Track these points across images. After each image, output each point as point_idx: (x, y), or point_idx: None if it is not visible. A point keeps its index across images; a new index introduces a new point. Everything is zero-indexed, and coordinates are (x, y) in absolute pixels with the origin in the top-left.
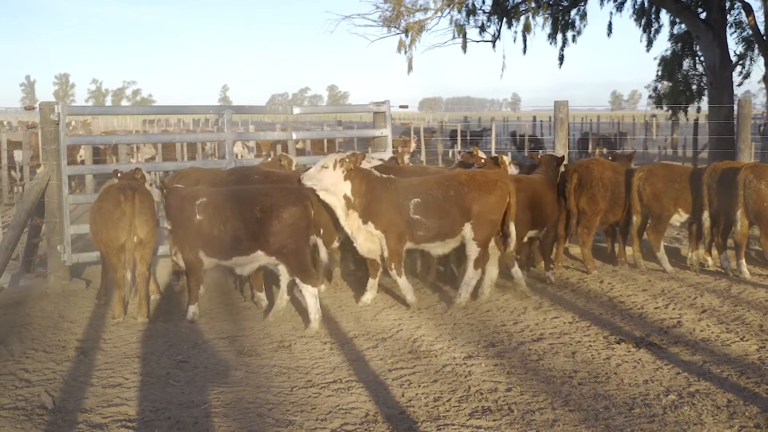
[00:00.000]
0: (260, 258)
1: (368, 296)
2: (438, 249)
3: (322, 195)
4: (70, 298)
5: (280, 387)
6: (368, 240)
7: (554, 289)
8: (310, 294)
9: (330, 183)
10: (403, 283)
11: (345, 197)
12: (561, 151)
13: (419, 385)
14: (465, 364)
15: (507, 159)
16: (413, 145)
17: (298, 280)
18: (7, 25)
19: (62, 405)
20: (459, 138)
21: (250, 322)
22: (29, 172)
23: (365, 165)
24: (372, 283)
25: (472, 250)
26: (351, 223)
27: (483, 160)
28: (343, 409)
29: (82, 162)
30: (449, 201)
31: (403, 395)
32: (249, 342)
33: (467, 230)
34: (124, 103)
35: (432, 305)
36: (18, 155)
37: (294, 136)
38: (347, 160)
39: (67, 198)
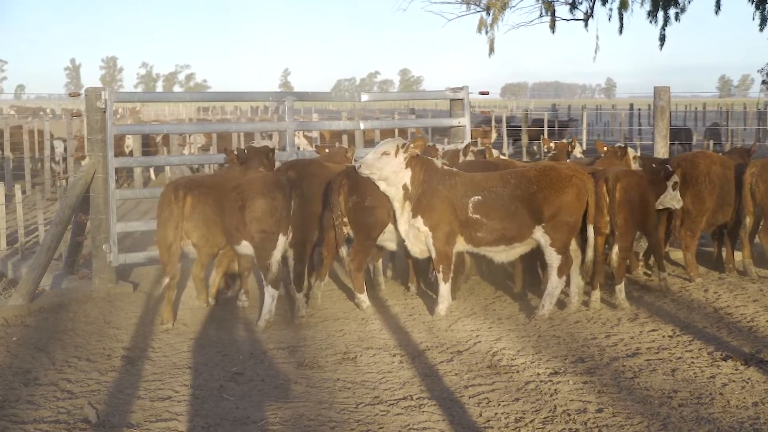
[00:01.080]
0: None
1: (442, 307)
2: (502, 254)
3: (382, 186)
4: (116, 302)
5: (344, 403)
6: (417, 239)
7: (652, 298)
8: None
9: (391, 171)
10: (445, 290)
11: (404, 187)
12: (661, 143)
13: (499, 404)
14: (550, 381)
15: (633, 152)
16: (494, 136)
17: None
18: (51, 3)
19: (107, 419)
20: (546, 128)
21: (311, 330)
22: (73, 163)
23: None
24: (444, 290)
25: (552, 257)
26: (406, 218)
27: (606, 149)
28: (413, 429)
29: (131, 153)
30: (516, 200)
31: (480, 415)
32: (310, 353)
33: (539, 234)
34: (176, 89)
35: (513, 315)
36: (59, 146)
37: (362, 126)
38: (411, 145)
39: (114, 193)
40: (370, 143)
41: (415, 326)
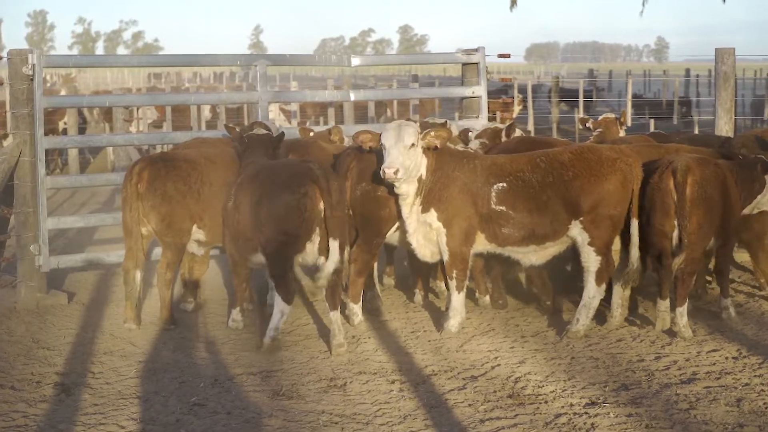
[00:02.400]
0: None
1: (453, 322)
2: (531, 256)
3: (403, 188)
4: (47, 317)
5: None
6: (428, 240)
7: (712, 311)
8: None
9: (414, 166)
10: (458, 301)
11: (419, 180)
12: (725, 117)
13: None
14: (586, 413)
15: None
16: (517, 109)
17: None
18: None
19: None
20: (581, 99)
21: (289, 351)
22: None
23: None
24: (456, 302)
25: (590, 260)
26: (415, 216)
27: (600, 120)
28: None
29: (65, 132)
30: (548, 189)
31: None
32: (288, 379)
33: (576, 231)
34: (121, 51)
35: (540, 331)
36: None
37: (352, 97)
38: (431, 134)
39: (44, 180)
40: (362, 118)
41: (418, 346)
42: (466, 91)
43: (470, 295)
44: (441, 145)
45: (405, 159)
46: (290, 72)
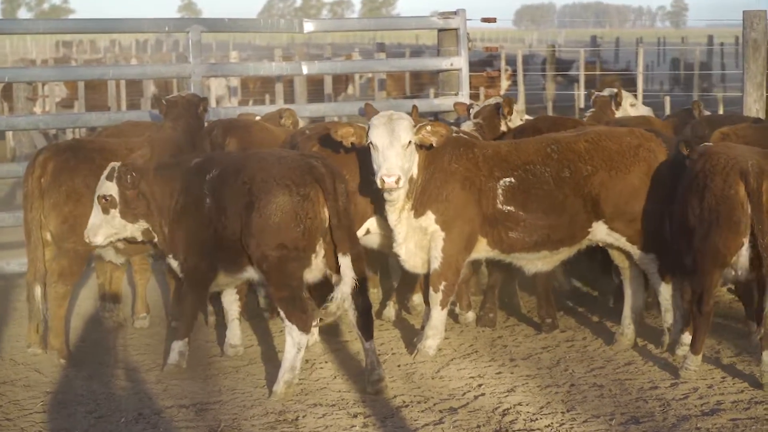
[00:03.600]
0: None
1: (431, 343)
2: (539, 263)
3: (396, 194)
4: None
5: None
6: (421, 248)
7: (738, 327)
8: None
9: (410, 168)
10: (439, 319)
11: (411, 180)
12: (755, 93)
13: None
14: None
15: (630, 97)
16: (506, 84)
17: None
18: None
19: None
20: (582, 72)
21: (229, 379)
22: None
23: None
24: (437, 319)
25: (645, 260)
26: (405, 222)
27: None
28: None
29: None
30: (563, 183)
31: None
32: (228, 413)
33: (602, 233)
34: (23, 14)
35: (533, 354)
36: None
37: (305, 70)
38: (427, 128)
39: None
40: (317, 96)
41: (387, 371)
42: (443, 63)
43: (449, 311)
44: (438, 144)
45: (404, 162)
46: (229, 40)
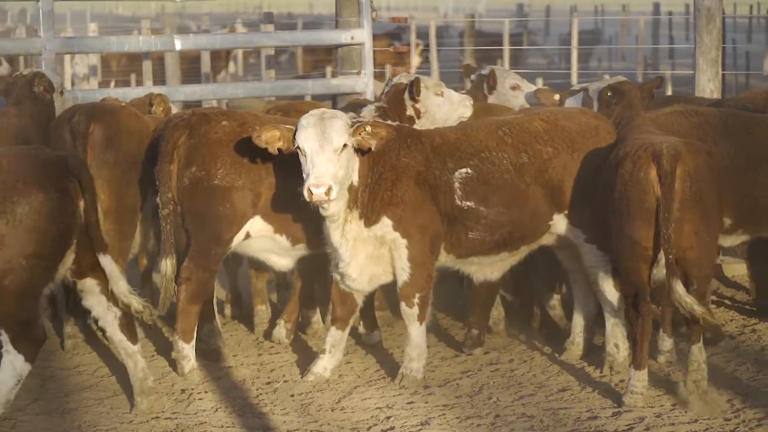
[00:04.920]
0: None
1: (416, 365)
2: (493, 268)
3: (333, 208)
4: None
5: None
6: (373, 260)
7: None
8: None
9: (347, 175)
10: (418, 337)
11: (351, 188)
12: (708, 71)
13: None
14: None
15: (525, 83)
16: (417, 61)
17: None
18: None
19: None
20: (506, 47)
21: (90, 414)
22: None
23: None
24: (419, 336)
25: (597, 260)
26: (354, 233)
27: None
28: None
29: None
30: (522, 172)
31: None
32: None
33: (562, 228)
34: None
35: (452, 379)
36: None
37: (178, 45)
38: (366, 129)
39: None
40: (193, 75)
41: (277, 402)
42: (343, 36)
43: (352, 332)
44: (377, 147)
45: (337, 169)
46: (87, 9)
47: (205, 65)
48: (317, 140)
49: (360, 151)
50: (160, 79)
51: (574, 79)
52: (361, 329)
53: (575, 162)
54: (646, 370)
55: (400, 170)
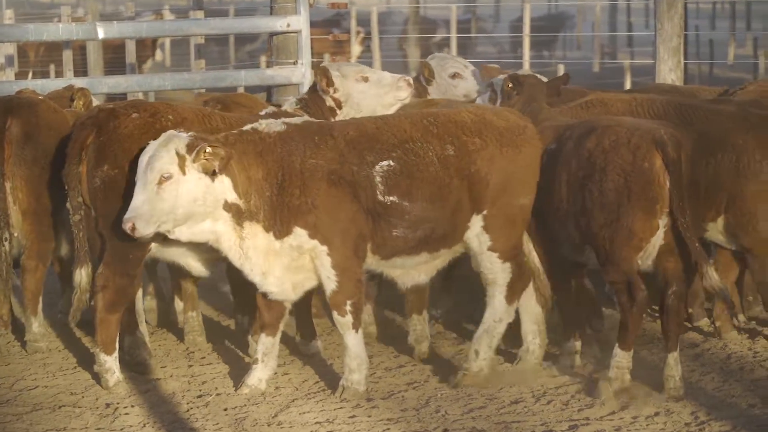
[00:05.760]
0: None
1: (356, 377)
2: (417, 272)
3: (185, 235)
4: None
5: None
6: (292, 270)
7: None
8: None
9: (190, 202)
10: (358, 345)
11: (228, 207)
12: (670, 60)
13: None
14: None
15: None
16: (357, 50)
17: None
18: None
19: None
20: (454, 34)
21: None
22: None
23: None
24: (356, 345)
25: (496, 269)
26: (261, 248)
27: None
28: None
29: None
30: (447, 167)
31: None
32: None
33: (474, 231)
34: None
35: (397, 391)
36: None
37: (101, 34)
38: (206, 150)
39: None
40: (117, 66)
41: (209, 417)
42: (278, 24)
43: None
44: (221, 169)
45: (156, 203)
46: None
47: (130, 55)
48: (142, 171)
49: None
50: (81, 69)
51: (526, 68)
52: (299, 338)
53: (503, 158)
54: (631, 351)
55: (306, 174)
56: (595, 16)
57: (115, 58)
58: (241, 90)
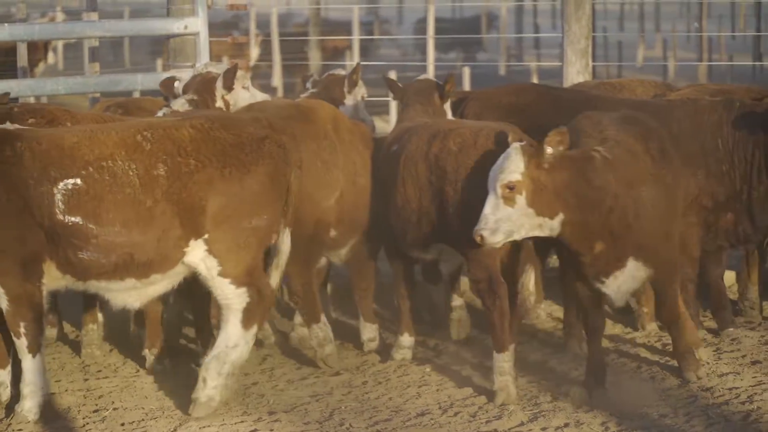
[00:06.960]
0: None
1: (29, 404)
2: (128, 295)
3: None
4: None
5: None
6: None
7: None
8: None
9: None
10: (29, 371)
11: None
12: (578, 63)
13: None
14: None
15: None
16: (256, 53)
17: None
18: None
19: None
20: (357, 36)
21: None
22: None
23: None
24: (33, 371)
25: (229, 294)
26: None
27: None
28: None
29: None
30: (151, 189)
31: None
32: None
33: (198, 256)
34: None
35: (298, 405)
36: None
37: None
38: None
39: None
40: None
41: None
42: (175, 26)
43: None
44: None
45: None
46: None
47: (22, 58)
48: None
49: None
50: None
51: (431, 71)
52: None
53: (225, 180)
54: (510, 350)
55: None
56: (500, 18)
57: (5, 62)
58: (136, 94)
